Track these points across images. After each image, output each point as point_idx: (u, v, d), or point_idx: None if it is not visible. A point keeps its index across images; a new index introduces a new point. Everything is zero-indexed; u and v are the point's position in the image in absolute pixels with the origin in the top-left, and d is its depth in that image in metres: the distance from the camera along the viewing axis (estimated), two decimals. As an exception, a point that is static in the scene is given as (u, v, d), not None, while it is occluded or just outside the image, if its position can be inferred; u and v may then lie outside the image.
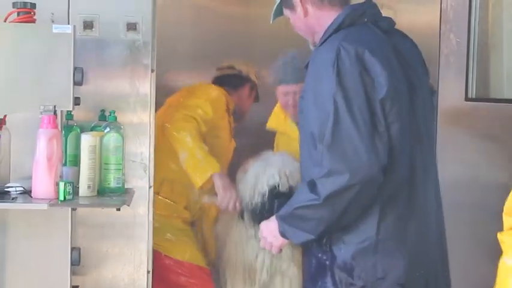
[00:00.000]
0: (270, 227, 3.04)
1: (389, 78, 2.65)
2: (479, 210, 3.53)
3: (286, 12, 3.04)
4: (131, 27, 3.70)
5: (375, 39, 2.78)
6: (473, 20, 3.61)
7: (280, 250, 3.15)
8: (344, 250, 2.81)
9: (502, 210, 3.49)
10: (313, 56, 2.87)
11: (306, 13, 2.94)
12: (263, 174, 3.72)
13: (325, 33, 2.88)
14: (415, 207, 2.87)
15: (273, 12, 3.07)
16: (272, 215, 3.24)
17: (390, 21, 2.94)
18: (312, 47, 3.11)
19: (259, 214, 3.65)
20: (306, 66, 2.91)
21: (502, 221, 3.07)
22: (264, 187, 3.66)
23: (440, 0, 3.79)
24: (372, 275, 2.79)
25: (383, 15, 2.90)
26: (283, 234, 2.94)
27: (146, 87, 3.79)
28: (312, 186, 2.72)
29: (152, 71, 3.79)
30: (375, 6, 2.94)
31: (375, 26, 2.84)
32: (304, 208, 2.81)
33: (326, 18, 2.89)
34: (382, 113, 2.67)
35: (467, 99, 3.66)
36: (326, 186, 2.68)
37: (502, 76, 3.71)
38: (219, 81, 4.67)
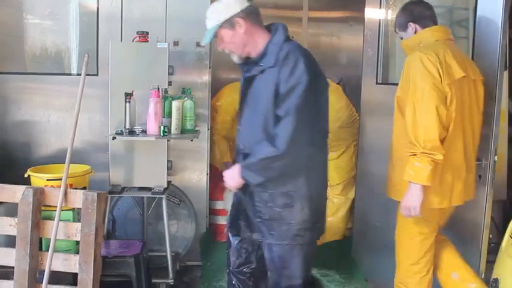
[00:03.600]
0: (231, 174, 2.48)
1: (313, 78, 2.32)
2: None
3: (225, 32, 2.43)
4: (198, 44, 3.85)
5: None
6: (380, 41, 3.70)
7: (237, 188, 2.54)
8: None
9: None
10: (289, 53, 2.32)
11: (245, 31, 2.41)
12: None
13: (272, 44, 2.40)
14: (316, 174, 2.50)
15: (206, 37, 2.47)
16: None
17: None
18: (235, 59, 2.55)
19: None
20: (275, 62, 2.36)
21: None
22: None
23: (363, 31, 3.87)
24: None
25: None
26: (244, 178, 2.42)
27: (206, 76, 3.95)
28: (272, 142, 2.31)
29: (209, 67, 3.95)
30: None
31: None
32: (267, 159, 2.35)
33: (258, 37, 2.43)
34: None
35: (377, 83, 3.72)
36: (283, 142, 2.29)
37: (395, 70, 3.76)
38: None
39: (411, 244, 2.83)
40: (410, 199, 2.61)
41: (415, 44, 2.75)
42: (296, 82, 2.33)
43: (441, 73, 2.54)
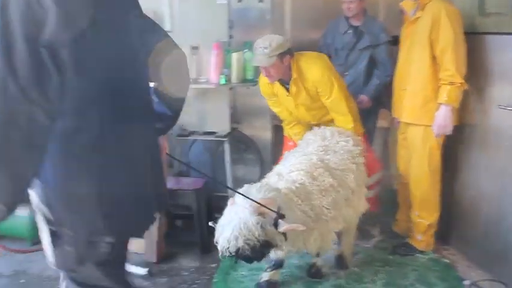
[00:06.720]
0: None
1: (60, 15, 1.43)
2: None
3: None
4: (261, 0, 4.01)
5: None
6: None
7: None
8: None
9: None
10: None
11: None
12: (221, 236, 2.42)
13: None
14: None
15: None
16: None
17: None
18: None
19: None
20: None
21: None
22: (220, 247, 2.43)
23: None
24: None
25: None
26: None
27: (267, 31, 3.85)
28: None
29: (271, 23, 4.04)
30: None
31: None
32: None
33: None
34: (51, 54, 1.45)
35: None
36: None
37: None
38: None
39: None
40: (445, 119, 3.16)
41: None
42: None
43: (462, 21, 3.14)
